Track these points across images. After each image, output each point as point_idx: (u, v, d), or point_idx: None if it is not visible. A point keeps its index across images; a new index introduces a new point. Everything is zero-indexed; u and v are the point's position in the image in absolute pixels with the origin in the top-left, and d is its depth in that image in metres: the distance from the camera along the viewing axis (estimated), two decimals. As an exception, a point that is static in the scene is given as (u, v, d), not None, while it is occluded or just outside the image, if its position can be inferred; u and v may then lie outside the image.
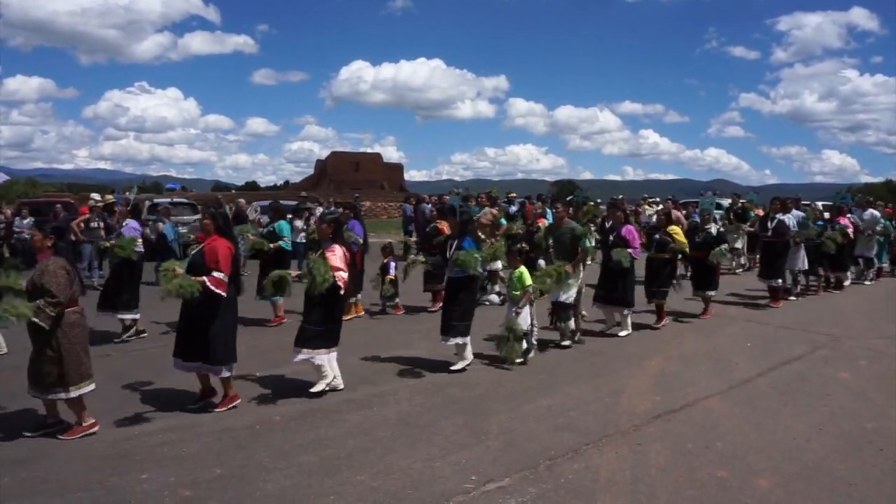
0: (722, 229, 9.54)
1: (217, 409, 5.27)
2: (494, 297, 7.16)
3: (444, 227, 9.35)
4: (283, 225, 8.91)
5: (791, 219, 10.41)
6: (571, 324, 7.52)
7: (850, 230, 11.67)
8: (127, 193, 10.23)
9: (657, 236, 8.70)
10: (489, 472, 4.17)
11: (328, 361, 5.66)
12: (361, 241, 8.91)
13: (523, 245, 8.26)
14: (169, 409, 5.32)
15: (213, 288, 5.07)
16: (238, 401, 5.42)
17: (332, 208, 19.51)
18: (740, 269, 13.95)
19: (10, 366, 6.66)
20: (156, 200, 20.00)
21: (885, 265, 13.86)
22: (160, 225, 11.56)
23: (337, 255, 5.59)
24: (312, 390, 5.61)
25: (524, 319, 6.74)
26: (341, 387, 5.81)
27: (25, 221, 15.14)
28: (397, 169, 52.28)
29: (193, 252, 5.41)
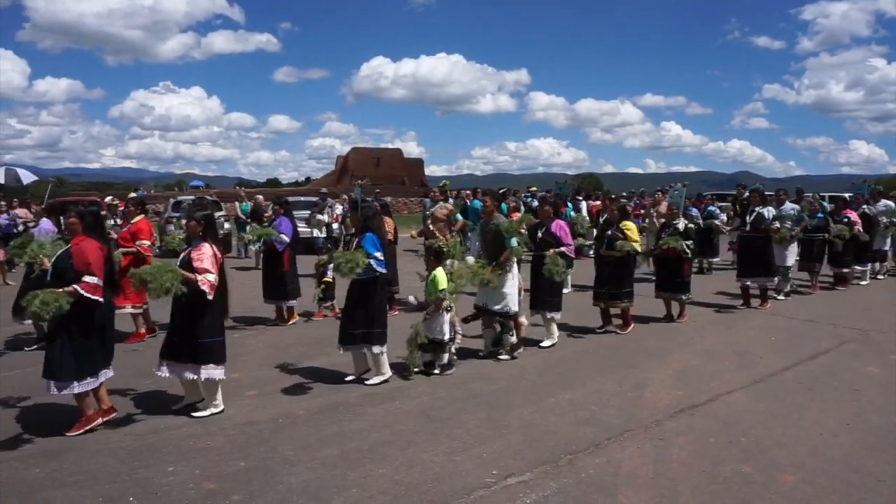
0: (691, 226, 8.71)
1: (68, 433, 4.65)
2: (412, 299, 6.48)
3: (387, 222, 8.80)
4: None
5: (770, 211, 9.59)
6: (513, 337, 6.74)
7: (859, 225, 11.19)
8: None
9: (609, 232, 7.95)
10: (510, 465, 4.17)
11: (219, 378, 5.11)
12: (288, 239, 8.36)
13: (440, 246, 7.23)
14: (194, 402, 5.40)
15: (88, 296, 4.54)
16: (98, 420, 4.77)
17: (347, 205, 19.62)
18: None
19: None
20: (179, 198, 20.27)
21: None
22: (185, 221, 11.72)
23: (205, 255, 4.99)
24: (199, 415, 5.07)
25: (439, 327, 6.15)
26: (221, 408, 5.17)
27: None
28: (418, 164, 52.34)
29: (59, 254, 4.81)
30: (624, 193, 23.05)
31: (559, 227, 7.20)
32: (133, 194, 13.12)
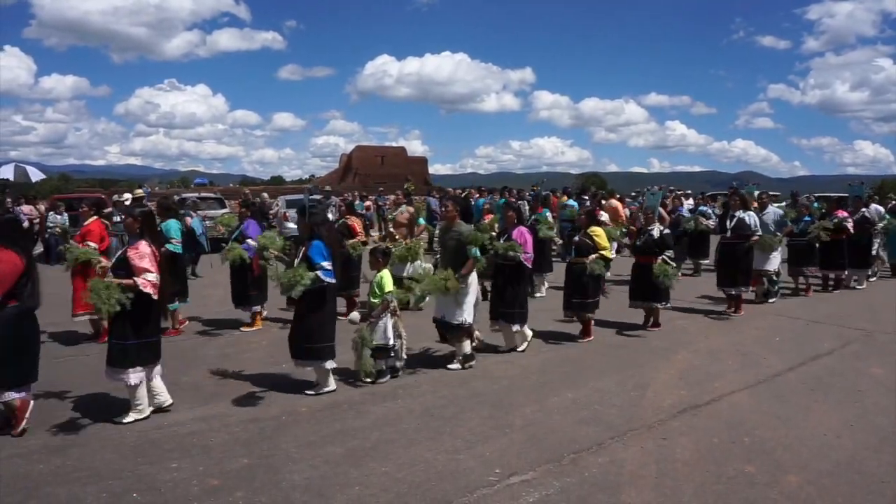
0: (666, 231, 8.29)
1: (12, 434, 4.60)
2: (356, 315, 6.08)
3: (355, 223, 8.69)
4: (171, 224, 7.69)
5: (752, 217, 9.08)
6: (466, 346, 6.40)
7: (850, 225, 10.81)
8: None
9: (577, 238, 7.65)
10: (513, 464, 4.17)
11: (145, 382, 4.95)
12: (256, 243, 7.93)
13: (387, 246, 6.85)
14: (197, 399, 5.42)
15: None
16: (23, 423, 4.64)
17: (358, 202, 19.67)
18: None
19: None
20: (184, 195, 20.32)
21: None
22: (188, 219, 11.76)
23: (142, 253, 4.86)
24: (121, 420, 4.86)
25: (383, 332, 5.89)
26: (169, 402, 5.12)
27: (59, 217, 15.52)
28: (422, 162, 52.42)
29: None
30: (633, 193, 23.01)
31: (520, 234, 6.88)
32: (139, 191, 13.14)
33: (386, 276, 6.06)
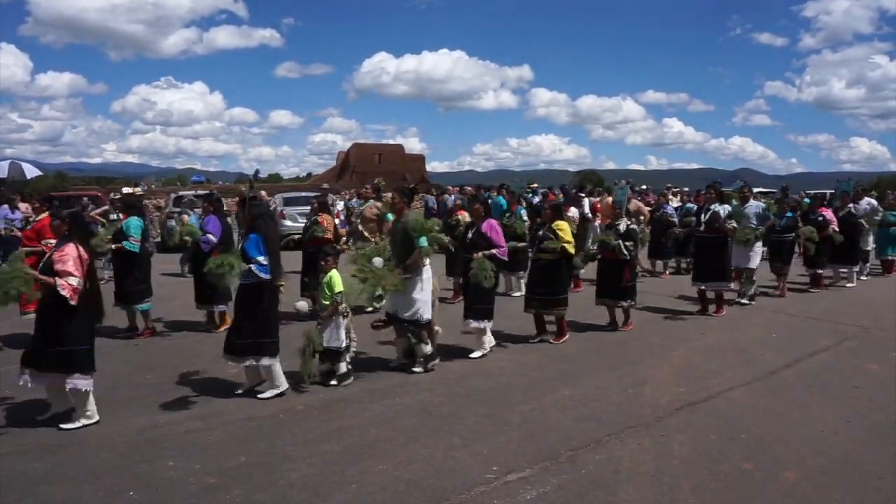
0: (633, 227, 8.05)
1: None
2: (303, 304, 5.91)
3: (325, 220, 8.62)
4: (132, 222, 7.44)
5: (726, 209, 8.72)
6: (426, 347, 6.16)
7: (834, 224, 10.69)
8: None
9: (540, 233, 7.30)
10: (511, 462, 4.17)
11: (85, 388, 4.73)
12: (216, 240, 7.62)
13: (338, 246, 6.67)
14: (195, 397, 5.40)
15: None
16: None
17: (355, 200, 19.66)
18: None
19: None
20: (181, 193, 20.28)
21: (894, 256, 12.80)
22: (186, 217, 11.74)
23: (68, 257, 4.63)
24: (64, 427, 4.69)
25: (332, 334, 5.73)
26: (95, 419, 4.80)
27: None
28: (419, 160, 52.42)
29: None
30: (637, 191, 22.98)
31: (490, 226, 6.69)
32: (137, 188, 13.12)
33: (335, 276, 5.85)
